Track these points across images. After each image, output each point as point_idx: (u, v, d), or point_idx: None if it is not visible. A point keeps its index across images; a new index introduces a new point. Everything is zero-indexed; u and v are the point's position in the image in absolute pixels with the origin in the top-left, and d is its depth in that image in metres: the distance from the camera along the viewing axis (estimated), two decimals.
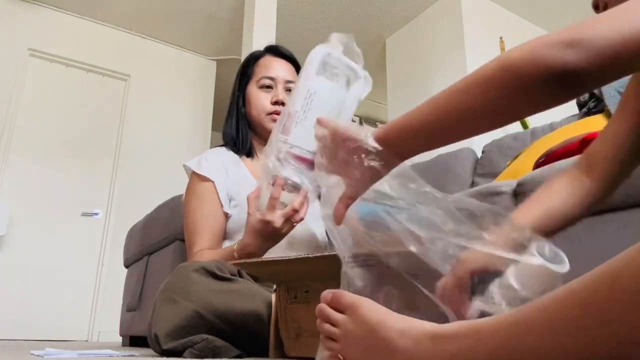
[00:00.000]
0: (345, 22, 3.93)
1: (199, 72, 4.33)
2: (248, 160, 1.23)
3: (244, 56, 3.28)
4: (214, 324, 0.81)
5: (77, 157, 3.58)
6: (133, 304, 1.87)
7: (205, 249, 1.09)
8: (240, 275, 0.97)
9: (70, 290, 3.30)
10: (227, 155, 1.22)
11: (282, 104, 1.18)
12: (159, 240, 1.79)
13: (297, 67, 1.25)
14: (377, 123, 5.75)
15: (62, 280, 3.31)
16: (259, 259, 0.78)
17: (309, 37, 4.12)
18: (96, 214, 3.56)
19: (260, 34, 3.20)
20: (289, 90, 1.21)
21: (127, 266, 2.30)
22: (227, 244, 1.15)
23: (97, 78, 3.81)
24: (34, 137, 3.46)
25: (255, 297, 0.91)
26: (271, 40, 3.24)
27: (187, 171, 1.21)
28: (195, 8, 3.75)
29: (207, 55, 4.36)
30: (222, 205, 1.14)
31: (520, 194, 1.24)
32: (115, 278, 3.05)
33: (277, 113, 1.17)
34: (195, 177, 1.17)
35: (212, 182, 1.15)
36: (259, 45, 3.22)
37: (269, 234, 0.96)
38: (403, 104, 3.76)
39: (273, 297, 0.78)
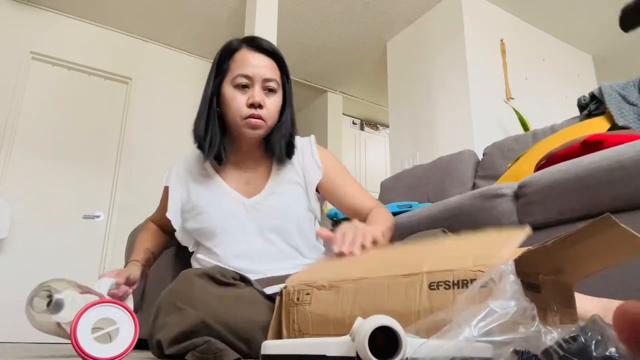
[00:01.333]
0: (346, 25, 3.94)
1: (201, 74, 4.34)
2: (222, 169, 1.14)
3: None
4: (217, 330, 0.81)
5: (78, 160, 3.58)
6: (135, 307, 1.87)
7: (151, 221, 1.31)
8: (242, 280, 0.97)
9: None
10: (196, 164, 1.16)
11: (259, 106, 1.04)
12: None
13: (279, 62, 1.11)
14: (377, 125, 5.75)
15: None
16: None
17: (310, 41, 4.13)
18: (98, 216, 3.56)
19: (262, 36, 3.20)
20: (268, 89, 1.07)
21: None
22: (201, 249, 1.13)
23: (98, 81, 3.83)
24: (36, 140, 3.47)
25: (257, 302, 0.90)
26: (272, 42, 3.24)
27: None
28: (196, 11, 3.76)
29: (208, 58, 4.37)
30: (165, 208, 1.17)
31: (521, 196, 1.24)
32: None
33: (254, 117, 1.04)
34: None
35: (166, 186, 1.20)
36: None
37: None
38: (403, 106, 3.76)
39: (277, 299, 0.78)
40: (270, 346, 0.54)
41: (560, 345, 0.39)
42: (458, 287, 0.56)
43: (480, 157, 2.19)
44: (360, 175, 5.19)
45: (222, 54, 1.11)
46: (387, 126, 5.17)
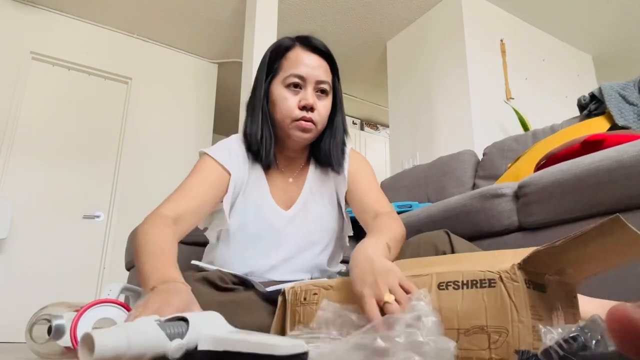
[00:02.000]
0: (346, 25, 3.94)
1: (201, 75, 4.34)
2: (269, 173, 1.07)
3: (245, 59, 3.30)
4: None
5: (78, 159, 3.59)
6: None
7: (165, 215, 0.91)
8: (242, 284, 0.96)
9: (71, 293, 3.30)
10: (246, 161, 1.05)
11: (312, 109, 0.98)
12: None
13: (332, 64, 1.05)
14: (377, 125, 5.75)
15: (63, 283, 3.31)
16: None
17: None
18: (98, 216, 3.56)
19: (262, 37, 3.21)
20: (321, 91, 1.01)
21: (128, 269, 2.30)
22: (221, 247, 1.07)
23: (98, 81, 3.83)
24: (36, 140, 3.47)
25: (256, 307, 0.90)
26: (272, 43, 3.24)
27: (201, 156, 1.06)
28: (196, 11, 3.76)
29: (208, 58, 4.37)
30: (219, 195, 1.00)
31: (521, 196, 1.24)
32: (117, 280, 3.05)
33: (306, 120, 0.98)
34: (207, 158, 1.02)
35: (229, 174, 1.01)
36: (260, 48, 3.24)
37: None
38: (403, 106, 3.76)
39: (279, 299, 0.78)
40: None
41: (560, 345, 0.39)
42: (467, 288, 0.57)
43: (480, 157, 2.19)
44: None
45: (273, 52, 1.05)
46: (387, 126, 5.17)
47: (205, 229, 1.13)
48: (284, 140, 1.04)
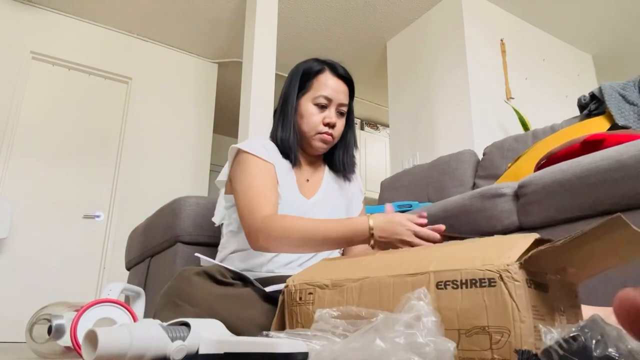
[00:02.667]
0: (346, 25, 3.94)
1: (201, 75, 4.34)
2: (294, 169, 1.23)
3: (245, 59, 3.30)
4: None
5: (79, 159, 3.59)
6: None
7: (272, 215, 1.03)
8: (242, 280, 0.97)
9: (72, 293, 3.30)
10: (279, 157, 1.21)
11: (333, 126, 1.19)
12: (160, 243, 1.79)
13: (352, 89, 1.25)
14: (377, 125, 5.75)
15: (63, 282, 3.31)
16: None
17: (310, 40, 4.13)
18: (98, 216, 3.56)
19: (262, 36, 3.21)
20: (340, 113, 1.22)
21: (128, 268, 2.30)
22: (239, 237, 1.14)
23: (99, 81, 3.83)
24: (36, 139, 3.47)
25: (255, 303, 0.90)
26: (272, 42, 3.25)
27: (232, 152, 1.19)
28: (196, 11, 3.76)
29: (208, 58, 4.37)
30: (277, 185, 1.14)
31: (521, 196, 1.24)
32: (117, 280, 3.05)
33: (327, 134, 1.19)
34: (250, 157, 1.14)
35: (273, 165, 1.15)
36: (260, 48, 3.24)
37: (393, 230, 0.94)
38: (404, 106, 3.76)
39: (280, 298, 0.78)
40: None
41: (560, 345, 0.39)
42: (466, 287, 0.56)
43: (480, 157, 2.19)
44: (360, 175, 5.19)
45: (306, 72, 1.23)
46: (387, 126, 5.17)
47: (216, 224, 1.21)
48: (304, 147, 1.24)
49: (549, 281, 0.57)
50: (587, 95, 1.82)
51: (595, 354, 0.37)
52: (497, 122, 3.27)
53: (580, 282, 0.63)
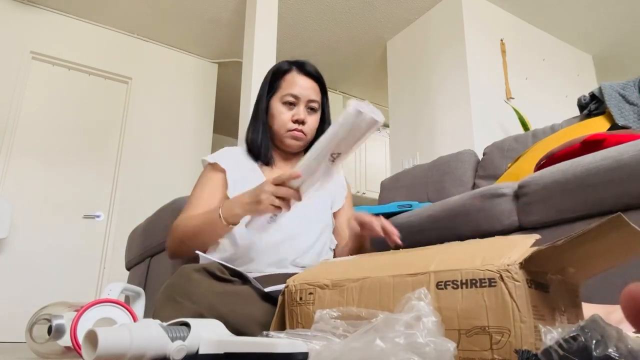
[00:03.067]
0: (346, 25, 3.94)
1: (201, 75, 4.34)
2: (267, 168, 1.25)
3: (245, 59, 3.30)
4: None
5: (79, 159, 3.58)
6: None
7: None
8: (242, 278, 0.97)
9: (72, 293, 3.30)
10: (246, 160, 1.25)
11: (303, 122, 1.21)
12: (160, 243, 1.79)
13: (322, 85, 1.27)
14: None
15: (63, 282, 3.31)
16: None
17: (310, 40, 4.13)
18: (98, 216, 3.56)
19: (262, 37, 3.21)
20: (310, 109, 1.24)
21: (128, 268, 2.30)
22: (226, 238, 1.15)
23: (99, 81, 3.83)
24: (36, 139, 3.47)
25: (254, 300, 0.91)
26: (272, 43, 3.25)
27: (204, 164, 1.27)
28: (196, 11, 3.76)
29: (208, 58, 4.37)
30: (223, 192, 1.18)
31: (521, 196, 1.24)
32: (117, 280, 3.05)
33: (297, 131, 1.21)
34: (208, 167, 1.24)
35: (223, 172, 1.20)
36: (260, 48, 3.24)
37: (255, 194, 0.98)
38: (404, 106, 3.76)
39: (279, 298, 0.78)
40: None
41: (560, 345, 0.39)
42: (466, 287, 0.56)
43: (480, 157, 2.19)
44: (360, 175, 5.19)
45: (274, 73, 1.27)
46: (387, 126, 5.17)
47: None
48: (279, 145, 1.26)
49: (550, 281, 0.57)
50: (587, 95, 1.82)
51: (595, 354, 0.37)
52: (497, 122, 3.27)
53: (581, 282, 0.63)
